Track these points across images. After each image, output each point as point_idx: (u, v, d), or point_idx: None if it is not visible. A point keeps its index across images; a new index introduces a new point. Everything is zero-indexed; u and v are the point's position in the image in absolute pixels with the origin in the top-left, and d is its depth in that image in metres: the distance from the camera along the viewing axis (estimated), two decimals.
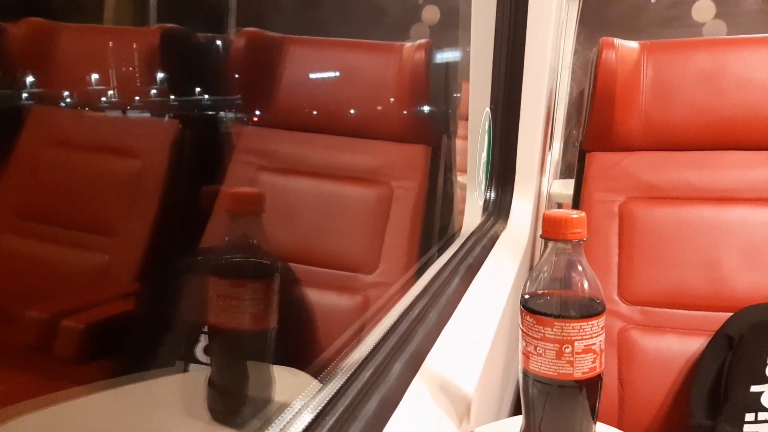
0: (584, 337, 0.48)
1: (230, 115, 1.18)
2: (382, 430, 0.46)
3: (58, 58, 0.74)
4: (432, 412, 0.52)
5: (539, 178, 1.32)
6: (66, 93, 0.72)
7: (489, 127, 1.18)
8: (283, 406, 0.49)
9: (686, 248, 1.02)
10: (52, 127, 0.73)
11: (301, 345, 1.02)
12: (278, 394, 0.64)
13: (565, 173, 2.67)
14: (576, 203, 1.17)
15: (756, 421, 0.78)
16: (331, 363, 0.57)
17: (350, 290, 1.07)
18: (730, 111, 1.08)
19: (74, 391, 0.62)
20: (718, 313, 0.96)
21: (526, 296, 0.50)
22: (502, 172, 1.23)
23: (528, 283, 0.51)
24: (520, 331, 0.51)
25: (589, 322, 0.48)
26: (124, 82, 0.73)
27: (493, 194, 1.24)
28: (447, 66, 1.26)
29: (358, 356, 0.57)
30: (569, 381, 0.48)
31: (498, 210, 1.22)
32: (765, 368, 0.82)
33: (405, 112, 1.16)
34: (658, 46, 1.14)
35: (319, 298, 1.05)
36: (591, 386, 0.49)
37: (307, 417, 0.46)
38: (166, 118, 0.88)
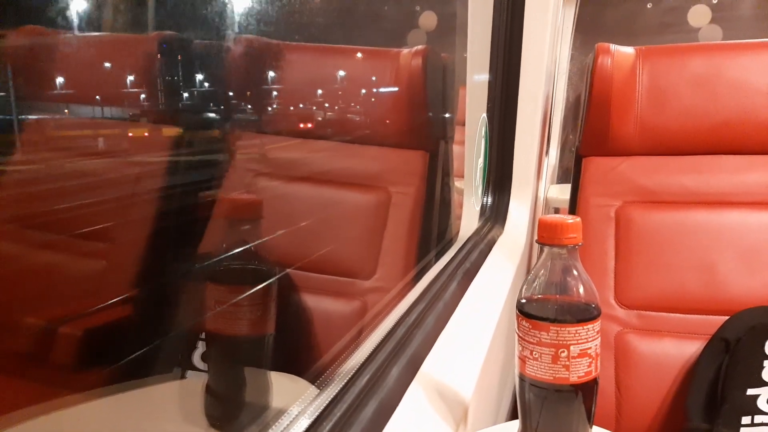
0: (580, 341, 0.48)
1: (228, 121, 1.19)
2: None
3: (55, 65, 0.75)
4: (429, 417, 0.52)
5: (536, 183, 1.32)
6: (62, 99, 0.72)
7: (486, 132, 1.19)
8: (281, 412, 0.50)
9: (682, 252, 1.02)
10: (48, 133, 0.73)
11: (299, 351, 1.02)
12: (275, 400, 0.64)
13: (562, 178, 2.68)
14: (573, 208, 1.17)
15: (752, 424, 0.78)
16: (328, 368, 0.57)
17: (348, 295, 1.07)
18: (725, 115, 1.08)
19: (71, 399, 0.62)
20: (714, 317, 0.96)
21: (522, 301, 0.51)
22: (499, 177, 1.24)
23: (524, 288, 0.51)
24: (516, 335, 0.51)
25: (585, 327, 0.48)
26: (122, 89, 0.74)
27: (490, 199, 1.24)
28: (444, 71, 1.26)
29: (355, 362, 0.57)
30: (565, 385, 0.48)
31: (495, 215, 1.22)
32: (761, 371, 0.82)
33: (402, 117, 1.17)
34: (654, 52, 1.14)
35: (316, 303, 1.05)
36: (587, 390, 0.49)
37: (304, 423, 0.46)
38: (164, 124, 0.88)
